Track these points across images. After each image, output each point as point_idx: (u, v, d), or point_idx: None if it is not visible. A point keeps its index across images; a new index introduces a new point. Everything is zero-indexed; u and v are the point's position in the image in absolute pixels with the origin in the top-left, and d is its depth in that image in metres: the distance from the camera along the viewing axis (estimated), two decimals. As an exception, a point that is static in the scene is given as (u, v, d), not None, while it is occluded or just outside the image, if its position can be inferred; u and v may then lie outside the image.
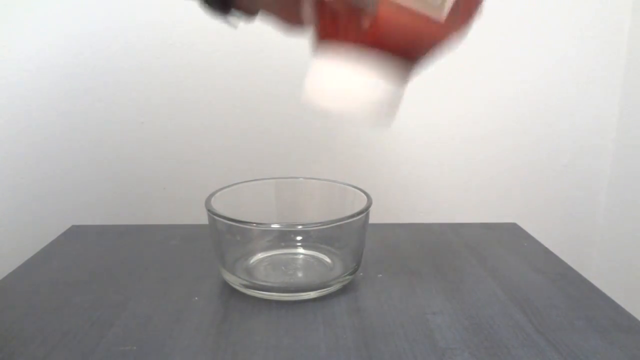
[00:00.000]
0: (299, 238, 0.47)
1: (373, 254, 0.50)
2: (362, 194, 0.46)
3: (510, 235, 0.57)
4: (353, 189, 0.48)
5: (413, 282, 0.45)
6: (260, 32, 0.68)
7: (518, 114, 0.73)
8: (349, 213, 0.42)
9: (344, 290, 0.43)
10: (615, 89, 0.74)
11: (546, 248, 0.53)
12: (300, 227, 0.45)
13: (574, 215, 0.78)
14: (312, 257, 0.47)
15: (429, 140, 0.74)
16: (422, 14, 0.26)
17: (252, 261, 0.46)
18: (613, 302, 0.42)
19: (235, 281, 0.43)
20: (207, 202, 0.44)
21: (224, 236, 0.43)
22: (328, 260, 0.46)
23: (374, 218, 0.47)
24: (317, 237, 0.48)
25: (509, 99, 0.73)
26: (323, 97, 0.30)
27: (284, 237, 0.48)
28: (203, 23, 0.66)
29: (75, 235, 0.56)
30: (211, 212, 0.42)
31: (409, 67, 0.30)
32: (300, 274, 0.45)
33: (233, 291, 0.43)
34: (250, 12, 0.35)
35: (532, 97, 0.73)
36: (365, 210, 0.43)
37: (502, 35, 0.70)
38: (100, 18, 0.67)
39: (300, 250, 0.48)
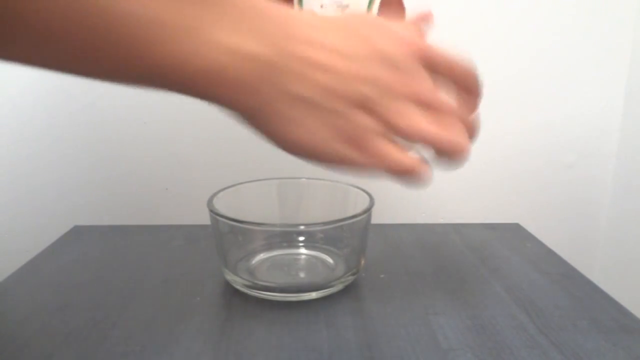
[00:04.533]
0: (301, 238, 0.47)
1: (375, 255, 0.50)
2: (365, 194, 0.46)
3: (513, 236, 0.57)
4: (355, 189, 0.48)
5: (415, 283, 0.45)
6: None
7: (521, 114, 0.73)
8: (351, 213, 0.42)
9: (346, 291, 0.43)
10: (618, 89, 0.73)
11: (549, 248, 0.53)
12: (302, 227, 0.45)
13: (577, 215, 0.78)
14: (315, 257, 0.47)
15: (432, 141, 0.73)
16: None
17: (254, 261, 0.46)
18: (616, 302, 0.42)
19: (237, 281, 0.43)
20: (210, 202, 0.44)
21: (226, 236, 0.43)
22: (330, 260, 0.46)
23: (376, 218, 0.47)
24: (319, 238, 0.47)
25: (512, 99, 0.73)
26: None
27: (286, 238, 0.48)
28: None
29: (78, 235, 0.56)
30: (213, 213, 0.42)
31: None
32: (302, 275, 0.45)
33: (235, 292, 0.43)
34: None
35: (535, 97, 0.73)
36: (368, 211, 0.43)
37: (504, 35, 0.70)
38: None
39: (303, 250, 0.48)
